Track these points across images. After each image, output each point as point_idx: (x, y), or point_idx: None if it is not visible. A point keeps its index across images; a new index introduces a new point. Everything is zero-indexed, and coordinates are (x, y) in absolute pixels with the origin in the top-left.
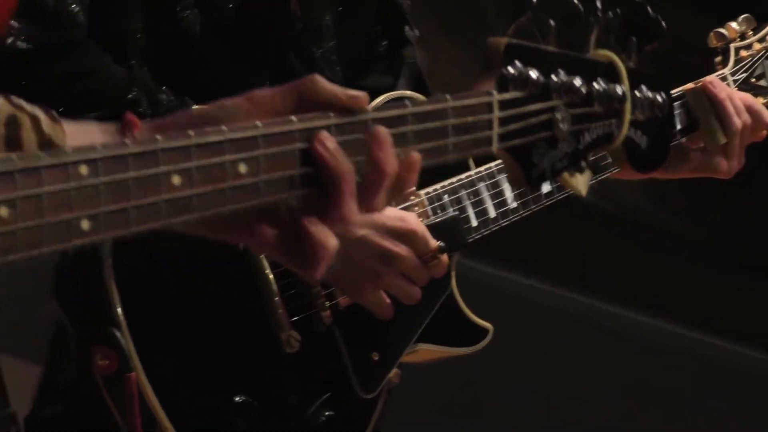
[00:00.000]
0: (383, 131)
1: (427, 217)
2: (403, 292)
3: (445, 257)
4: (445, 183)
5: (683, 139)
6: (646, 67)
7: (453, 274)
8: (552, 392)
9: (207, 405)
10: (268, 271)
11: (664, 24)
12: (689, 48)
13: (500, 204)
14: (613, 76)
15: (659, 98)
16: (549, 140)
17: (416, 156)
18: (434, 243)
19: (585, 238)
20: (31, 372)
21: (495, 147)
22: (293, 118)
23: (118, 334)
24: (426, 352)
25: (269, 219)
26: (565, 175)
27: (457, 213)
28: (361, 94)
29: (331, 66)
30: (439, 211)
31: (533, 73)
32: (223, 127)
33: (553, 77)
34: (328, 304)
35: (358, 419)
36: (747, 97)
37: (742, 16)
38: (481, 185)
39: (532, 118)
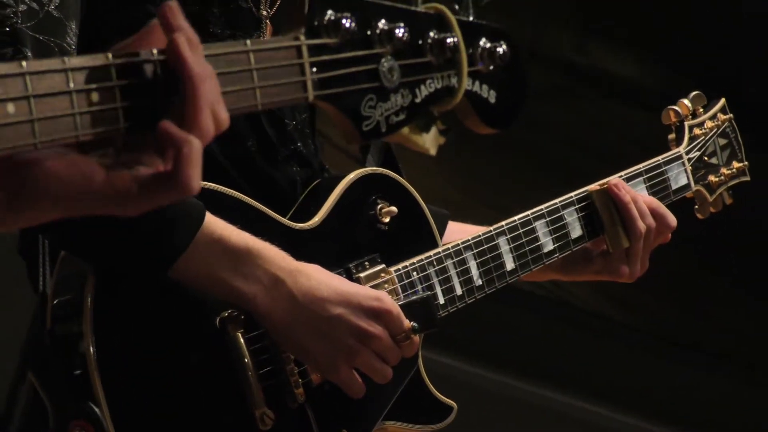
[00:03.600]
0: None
1: (397, 294)
2: (376, 371)
3: (416, 337)
4: (414, 260)
5: (587, 243)
6: (484, 19)
7: (420, 352)
8: None
9: None
10: (244, 348)
11: None
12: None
13: (467, 281)
14: (443, 27)
15: (500, 49)
16: (378, 91)
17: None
18: (408, 323)
19: (540, 329)
20: None
21: (311, 94)
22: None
23: (97, 410)
24: (393, 429)
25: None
26: (405, 131)
27: (428, 293)
28: None
29: (305, 138)
30: (408, 289)
31: (346, 20)
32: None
33: (373, 25)
34: (301, 381)
35: None
36: (652, 200)
37: (693, 93)
38: (449, 262)
39: (353, 66)
